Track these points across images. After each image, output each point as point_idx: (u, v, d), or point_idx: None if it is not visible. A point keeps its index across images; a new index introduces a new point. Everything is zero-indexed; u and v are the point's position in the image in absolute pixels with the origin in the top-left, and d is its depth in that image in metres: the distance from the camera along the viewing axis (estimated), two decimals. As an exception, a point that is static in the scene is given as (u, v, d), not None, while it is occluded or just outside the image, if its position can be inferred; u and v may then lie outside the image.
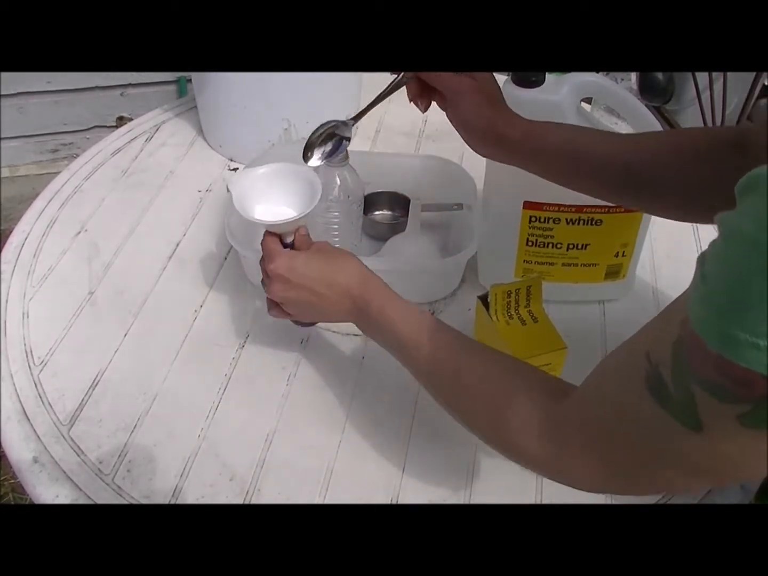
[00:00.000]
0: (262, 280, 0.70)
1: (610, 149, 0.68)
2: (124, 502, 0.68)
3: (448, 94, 0.69)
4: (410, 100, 0.71)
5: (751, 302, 0.35)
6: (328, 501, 0.70)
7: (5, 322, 0.84)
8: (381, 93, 0.71)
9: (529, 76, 0.76)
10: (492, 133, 0.69)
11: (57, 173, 1.08)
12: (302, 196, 0.69)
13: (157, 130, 1.17)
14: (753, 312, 0.35)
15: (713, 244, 0.39)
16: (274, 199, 0.70)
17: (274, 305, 0.71)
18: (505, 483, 0.72)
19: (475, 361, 0.61)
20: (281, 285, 0.67)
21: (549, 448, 0.52)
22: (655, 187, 0.67)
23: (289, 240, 0.69)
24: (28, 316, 0.85)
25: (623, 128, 0.93)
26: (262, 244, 0.69)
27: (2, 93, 1.92)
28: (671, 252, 0.98)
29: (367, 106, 0.73)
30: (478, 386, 0.59)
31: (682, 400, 0.41)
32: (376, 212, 1.01)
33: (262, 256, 0.69)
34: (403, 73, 0.69)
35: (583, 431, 0.49)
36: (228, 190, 0.70)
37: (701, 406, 0.40)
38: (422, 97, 0.71)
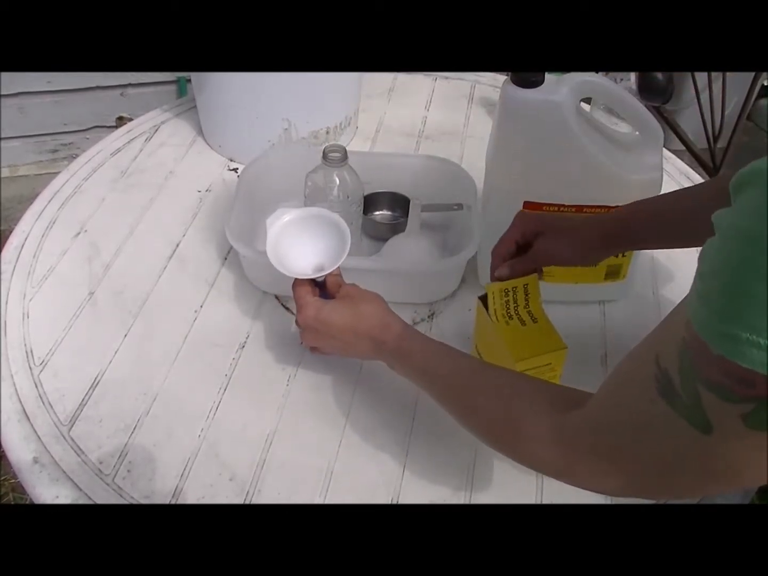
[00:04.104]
0: (297, 323, 0.75)
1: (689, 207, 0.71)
2: (124, 502, 0.68)
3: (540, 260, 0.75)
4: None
5: (749, 299, 0.35)
6: (328, 501, 0.70)
7: (5, 322, 0.84)
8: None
9: (529, 76, 0.76)
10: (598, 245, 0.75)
11: (57, 173, 1.07)
12: (331, 239, 0.75)
13: (157, 130, 1.17)
14: (752, 309, 0.35)
15: (711, 242, 0.39)
16: (303, 242, 0.76)
17: (311, 346, 0.77)
18: (505, 483, 0.72)
19: (488, 380, 0.62)
20: (311, 334, 0.74)
21: (564, 457, 0.52)
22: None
23: (320, 280, 0.75)
24: (28, 317, 0.85)
25: (623, 128, 0.93)
26: (293, 292, 0.74)
27: (2, 93, 1.92)
28: (671, 253, 0.98)
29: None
30: (492, 404, 0.60)
31: (690, 401, 0.41)
32: (376, 212, 1.01)
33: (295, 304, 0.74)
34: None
35: (597, 438, 0.50)
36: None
37: (708, 406, 0.40)
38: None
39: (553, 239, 0.74)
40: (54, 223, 0.98)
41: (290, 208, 0.76)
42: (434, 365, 0.67)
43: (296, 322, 0.74)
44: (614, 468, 0.49)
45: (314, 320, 0.71)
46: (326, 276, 0.74)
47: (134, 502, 0.68)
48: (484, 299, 0.74)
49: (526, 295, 0.72)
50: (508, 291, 0.72)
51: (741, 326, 0.35)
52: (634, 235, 0.74)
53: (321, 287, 0.75)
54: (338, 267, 0.75)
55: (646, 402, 0.44)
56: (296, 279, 0.74)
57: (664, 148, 0.84)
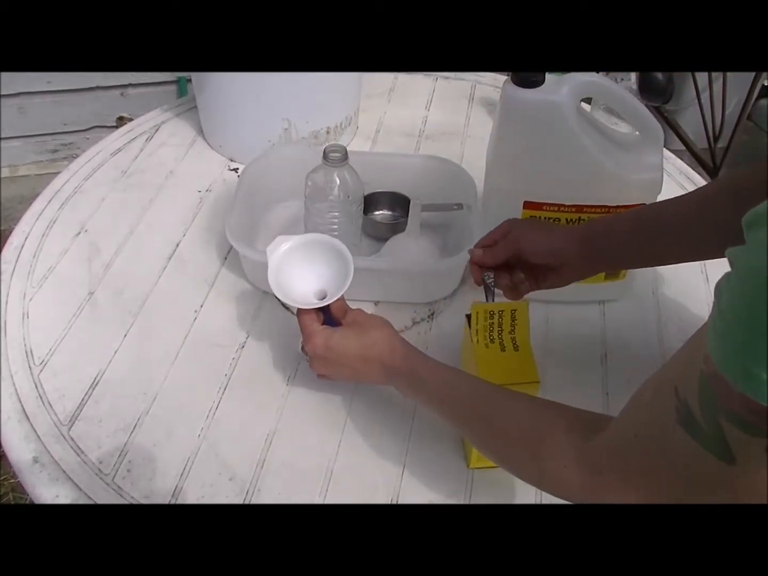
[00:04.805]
0: (302, 348, 0.74)
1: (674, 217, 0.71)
2: (124, 502, 0.68)
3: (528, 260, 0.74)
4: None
5: None
6: (328, 501, 0.70)
7: (5, 322, 0.84)
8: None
9: (529, 76, 0.76)
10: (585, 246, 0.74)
11: (57, 173, 1.08)
12: (333, 264, 0.75)
13: (157, 130, 1.17)
14: None
15: (728, 277, 0.39)
16: (305, 268, 0.75)
17: (319, 373, 0.76)
18: (506, 483, 0.72)
19: (505, 405, 0.62)
20: (321, 363, 0.73)
21: (588, 482, 0.52)
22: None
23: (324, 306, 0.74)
24: (28, 316, 0.85)
25: (623, 128, 0.93)
26: (298, 320, 0.74)
27: (2, 93, 1.92)
28: (671, 252, 0.98)
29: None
30: (511, 429, 0.60)
31: (712, 433, 0.41)
32: (376, 212, 1.01)
33: (301, 332, 0.74)
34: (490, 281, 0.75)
35: (620, 465, 0.50)
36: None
37: (731, 438, 0.40)
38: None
39: (530, 227, 0.75)
40: (54, 223, 0.98)
41: (289, 235, 0.76)
42: (445, 389, 0.66)
43: (302, 348, 0.74)
44: (639, 491, 0.49)
45: (324, 349, 0.71)
46: (330, 305, 0.74)
47: (134, 501, 0.68)
48: (470, 318, 0.74)
49: (513, 320, 0.70)
50: (494, 313, 0.70)
51: (761, 365, 0.36)
52: (615, 236, 0.73)
53: (325, 312, 0.74)
54: (342, 295, 0.74)
55: (667, 431, 0.44)
56: (301, 308, 0.73)
57: (664, 148, 0.84)
